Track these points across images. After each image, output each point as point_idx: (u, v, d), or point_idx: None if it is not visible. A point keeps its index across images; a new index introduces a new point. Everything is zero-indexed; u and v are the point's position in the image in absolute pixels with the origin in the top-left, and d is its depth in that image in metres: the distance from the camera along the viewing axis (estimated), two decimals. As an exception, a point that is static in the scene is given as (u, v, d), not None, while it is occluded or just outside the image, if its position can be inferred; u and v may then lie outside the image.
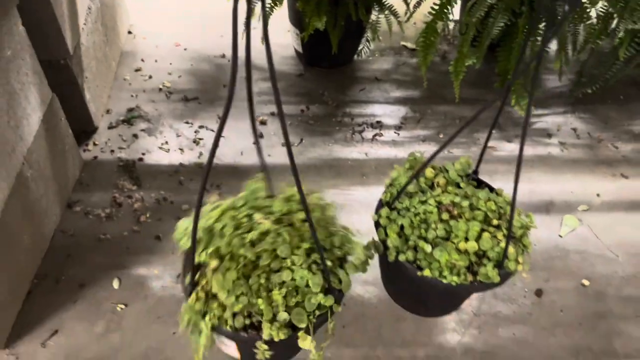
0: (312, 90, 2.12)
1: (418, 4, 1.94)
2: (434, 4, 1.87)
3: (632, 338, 1.45)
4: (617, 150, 1.95)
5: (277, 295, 0.75)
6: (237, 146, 1.89)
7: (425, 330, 1.47)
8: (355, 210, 1.71)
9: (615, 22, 1.85)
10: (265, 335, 0.76)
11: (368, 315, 1.49)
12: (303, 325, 0.78)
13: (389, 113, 2.05)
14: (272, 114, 2.01)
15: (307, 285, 0.78)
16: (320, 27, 1.76)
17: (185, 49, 2.30)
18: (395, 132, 1.98)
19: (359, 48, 2.22)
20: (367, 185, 1.79)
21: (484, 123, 2.03)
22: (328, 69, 2.21)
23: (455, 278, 0.89)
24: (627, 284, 1.57)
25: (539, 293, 1.55)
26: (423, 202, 0.97)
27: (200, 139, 1.93)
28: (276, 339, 0.76)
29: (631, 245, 1.66)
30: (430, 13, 1.88)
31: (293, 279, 0.76)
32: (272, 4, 1.91)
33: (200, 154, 1.88)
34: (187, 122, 1.98)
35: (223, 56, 2.26)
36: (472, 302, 1.53)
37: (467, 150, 1.93)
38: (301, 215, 0.82)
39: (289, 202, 0.85)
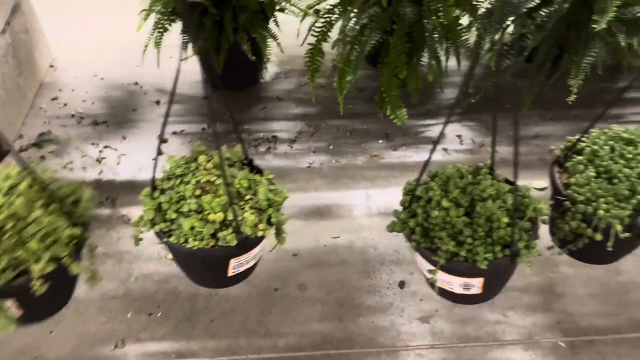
0: (215, 110, 2.28)
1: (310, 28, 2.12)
2: (316, 26, 2.07)
3: (484, 321, 1.57)
4: (496, 154, 2.10)
5: (34, 243, 0.90)
6: (137, 163, 2.04)
7: (289, 321, 1.58)
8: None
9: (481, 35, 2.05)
10: (36, 272, 0.91)
11: (237, 310, 1.61)
12: (65, 254, 0.95)
13: (285, 128, 2.22)
14: (174, 133, 2.17)
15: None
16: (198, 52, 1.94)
17: (102, 78, 2.48)
18: (288, 146, 2.14)
19: (261, 71, 2.41)
20: (255, 193, 1.94)
21: (374, 134, 2.20)
22: (234, 91, 2.39)
23: (196, 243, 1.03)
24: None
25: (401, 285, 1.68)
26: (186, 183, 1.11)
27: (103, 157, 2.08)
28: (47, 271, 0.92)
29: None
30: (313, 35, 2.08)
31: (43, 228, 0.92)
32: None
33: (101, 171, 2.03)
34: (93, 144, 2.14)
35: (136, 83, 2.45)
36: (338, 294, 1.65)
37: (354, 158, 2.09)
38: (23, 185, 0.99)
39: (8, 180, 1.02)
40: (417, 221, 1.03)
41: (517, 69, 2.44)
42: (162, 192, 1.13)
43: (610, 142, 1.15)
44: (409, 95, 2.13)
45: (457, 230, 0.98)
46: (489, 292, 1.11)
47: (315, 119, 2.26)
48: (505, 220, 0.98)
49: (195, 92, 2.39)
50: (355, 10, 2.05)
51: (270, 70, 2.51)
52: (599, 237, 1.03)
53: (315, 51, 2.08)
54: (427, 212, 1.04)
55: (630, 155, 1.11)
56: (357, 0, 2.02)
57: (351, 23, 2.03)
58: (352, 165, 2.05)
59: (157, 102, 2.31)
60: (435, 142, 1.10)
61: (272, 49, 2.24)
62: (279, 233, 1.20)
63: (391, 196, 1.93)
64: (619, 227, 1.01)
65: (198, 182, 1.10)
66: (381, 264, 1.74)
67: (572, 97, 1.88)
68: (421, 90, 2.31)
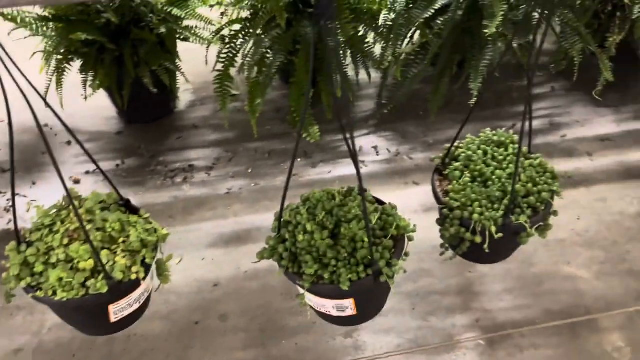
0: (129, 145, 2.25)
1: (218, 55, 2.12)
2: (222, 52, 2.08)
3: (407, 328, 1.60)
4: (411, 161, 2.16)
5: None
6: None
7: (210, 354, 1.56)
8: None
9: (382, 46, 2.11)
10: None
11: (157, 348, 1.57)
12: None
13: (202, 156, 2.20)
14: (87, 172, 2.12)
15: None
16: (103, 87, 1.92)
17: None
18: (206, 173, 2.12)
19: (174, 101, 2.40)
20: (173, 226, 1.91)
21: (292, 154, 2.21)
22: (147, 123, 2.36)
23: (65, 294, 1.00)
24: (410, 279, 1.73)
25: (324, 301, 1.68)
26: (55, 232, 1.09)
27: (11, 206, 2.00)
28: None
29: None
30: (220, 62, 2.09)
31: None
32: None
33: (9, 220, 1.95)
34: (0, 192, 2.06)
35: (46, 125, 2.37)
36: (260, 320, 1.64)
37: (274, 179, 2.09)
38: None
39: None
40: (285, 246, 1.04)
41: (430, 77, 2.53)
42: (30, 244, 1.10)
43: (483, 146, 1.21)
44: (324, 111, 2.16)
45: (322, 253, 0.99)
46: (365, 313, 1.12)
47: (233, 143, 2.26)
48: (367, 240, 1.00)
49: (107, 127, 2.35)
50: (259, 34, 2.08)
51: (186, 98, 2.50)
52: (478, 239, 1.07)
53: (224, 77, 2.09)
54: (295, 237, 1.04)
55: (501, 157, 1.17)
56: (259, 24, 2.05)
57: (255, 47, 2.05)
58: (272, 186, 2.06)
59: (69, 143, 2.25)
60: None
61: (186, 77, 2.24)
62: (161, 272, 1.18)
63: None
64: (493, 229, 1.05)
65: (67, 230, 1.08)
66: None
67: (473, 100, 1.96)
68: (338, 107, 2.35)
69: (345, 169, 2.13)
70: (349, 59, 2.25)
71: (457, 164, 1.18)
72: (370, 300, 1.12)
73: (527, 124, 1.12)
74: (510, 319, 1.62)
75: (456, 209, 1.08)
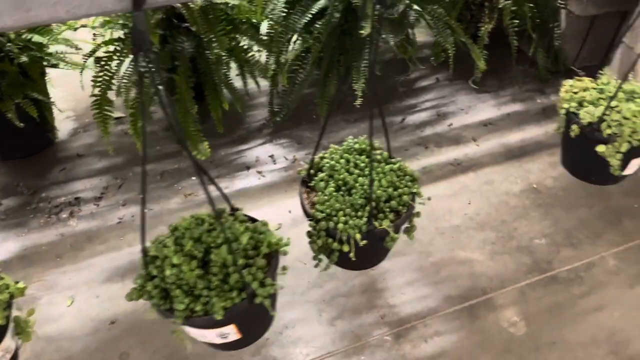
0: (6, 183, 2.09)
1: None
2: (97, 75, 1.98)
3: (315, 336, 1.60)
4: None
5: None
6: None
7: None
8: (49, 300, 1.69)
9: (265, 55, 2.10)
10: None
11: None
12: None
13: (89, 186, 2.09)
14: (-43, 220, 1.95)
15: None
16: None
17: None
18: (94, 204, 2.02)
19: (52, 132, 2.26)
20: (61, 266, 1.80)
21: (187, 172, 2.16)
22: (25, 158, 2.20)
23: None
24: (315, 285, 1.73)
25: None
26: None
27: None
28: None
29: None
30: (95, 85, 1.98)
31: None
32: None
33: None
34: None
35: None
36: (163, 352, 1.58)
37: (168, 202, 2.02)
38: None
39: None
40: (154, 283, 1.00)
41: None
42: None
43: (346, 155, 1.23)
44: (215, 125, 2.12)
45: (192, 285, 0.97)
46: (251, 335, 1.11)
47: (122, 169, 2.16)
48: (241, 262, 0.98)
49: (-20, 167, 2.17)
50: (134, 53, 2.00)
51: (67, 126, 2.36)
52: (346, 248, 1.09)
53: (102, 101, 1.99)
54: (163, 272, 0.99)
55: (363, 164, 1.19)
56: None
57: (131, 67, 1.97)
58: (166, 210, 1.99)
59: None
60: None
61: (61, 105, 2.11)
62: (20, 330, 1.10)
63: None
64: (357, 236, 1.07)
65: None
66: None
67: (358, 101, 2.00)
68: (230, 117, 2.32)
69: (243, 182, 2.11)
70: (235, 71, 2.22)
71: (322, 175, 1.19)
72: (255, 321, 1.10)
73: (376, 129, 1.14)
74: (413, 310, 1.67)
75: (322, 220, 1.09)
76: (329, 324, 1.64)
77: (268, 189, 2.07)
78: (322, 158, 1.28)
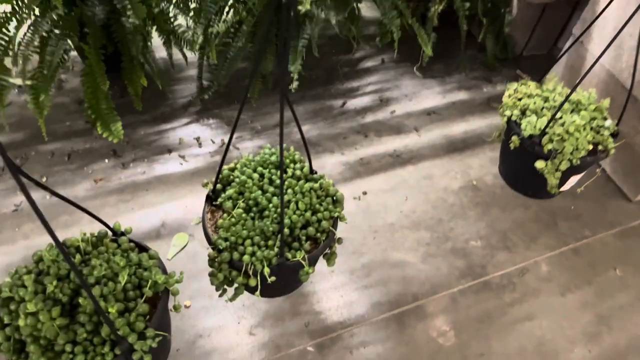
0: None
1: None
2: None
3: (232, 346, 1.47)
4: (238, 152, 2.01)
5: None
6: None
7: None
8: None
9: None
10: None
11: None
12: None
13: (-18, 166, 1.84)
14: None
15: None
16: None
17: None
18: (-13, 188, 1.78)
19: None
20: (-58, 261, 1.57)
21: (100, 153, 1.94)
22: None
23: None
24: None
25: (136, 330, 1.50)
26: None
27: None
28: None
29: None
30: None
31: None
32: None
33: None
34: None
35: None
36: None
37: (74, 187, 1.81)
38: None
39: None
40: (6, 333, 0.83)
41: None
42: None
43: (260, 169, 1.08)
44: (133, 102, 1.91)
45: (53, 338, 0.81)
46: None
47: (23, 146, 1.91)
48: (115, 309, 0.83)
49: None
50: (36, 15, 1.74)
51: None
52: (253, 282, 0.95)
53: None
54: (18, 318, 0.82)
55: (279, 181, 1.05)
56: (35, 2, 1.70)
57: (32, 32, 1.71)
58: (72, 196, 1.77)
59: None
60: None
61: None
62: None
63: (123, 226, 1.73)
64: (266, 271, 0.94)
65: None
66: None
67: (295, 85, 1.84)
68: (153, 91, 2.10)
69: (163, 167, 1.92)
70: (158, 40, 1.99)
71: (230, 191, 1.03)
72: None
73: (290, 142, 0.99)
74: (340, 318, 1.58)
75: (225, 250, 0.95)
76: (248, 333, 1.52)
77: (191, 177, 1.90)
78: (232, 170, 1.11)
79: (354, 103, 2.27)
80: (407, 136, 2.16)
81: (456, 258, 1.76)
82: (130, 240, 1.00)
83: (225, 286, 1.00)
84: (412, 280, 1.69)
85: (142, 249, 0.99)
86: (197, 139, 2.04)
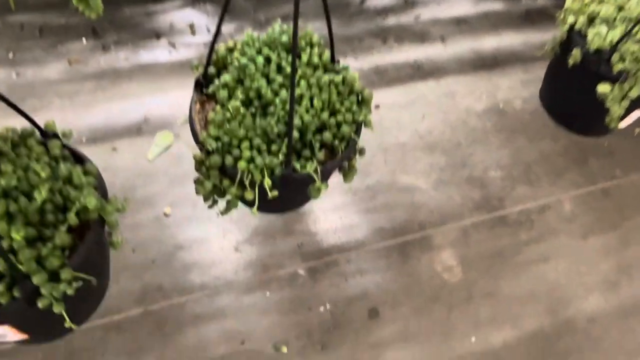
0: None
1: None
2: None
3: (217, 271, 1.33)
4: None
5: None
6: None
7: None
8: None
9: None
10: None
11: None
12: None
13: (-61, 33, 1.59)
14: None
15: None
16: None
17: None
18: (-56, 58, 1.54)
19: None
20: None
21: (77, 31, 1.69)
22: None
23: None
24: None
25: (107, 235, 1.34)
26: None
27: None
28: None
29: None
30: None
31: None
32: None
33: None
34: None
35: None
36: None
37: (44, 68, 1.58)
38: None
39: None
40: None
41: None
42: None
43: (266, 51, 0.84)
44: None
45: None
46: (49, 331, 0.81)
47: (-13, 16, 1.65)
48: (19, 236, 0.62)
49: None
50: None
51: None
52: (250, 195, 0.76)
53: None
54: None
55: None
56: None
57: None
58: (42, 78, 1.55)
59: None
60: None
61: None
62: None
63: (98, 118, 1.52)
64: (267, 183, 0.75)
65: None
66: (81, 212, 1.36)
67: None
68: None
69: (149, 54, 1.67)
70: None
71: (226, 77, 0.81)
72: (49, 316, 0.75)
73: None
74: (337, 242, 1.42)
75: (214, 153, 0.75)
76: (233, 249, 1.36)
77: (180, 68, 1.66)
78: (229, 50, 0.89)
79: (375, 1, 1.98)
80: (431, 45, 1.90)
81: (472, 188, 1.58)
82: (66, 147, 0.80)
83: (216, 196, 0.81)
84: (420, 208, 1.52)
85: (79, 160, 0.79)
86: (191, 25, 1.77)
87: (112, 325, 1.21)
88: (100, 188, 0.80)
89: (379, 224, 1.47)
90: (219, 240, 1.37)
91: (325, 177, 0.81)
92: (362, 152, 0.88)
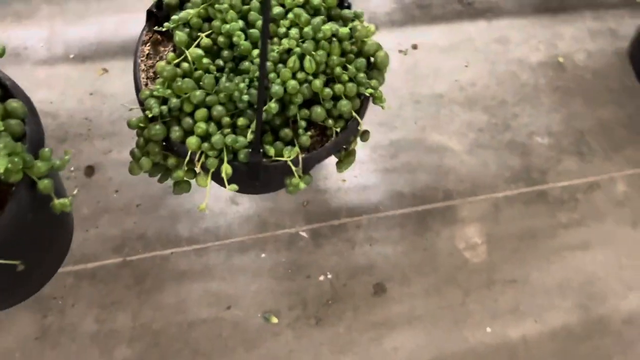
0: None
1: None
2: None
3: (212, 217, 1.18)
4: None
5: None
6: None
7: None
8: None
9: None
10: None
11: None
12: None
13: None
14: None
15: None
16: None
17: None
18: None
19: None
20: None
21: None
22: None
23: None
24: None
25: (90, 171, 1.19)
26: None
27: None
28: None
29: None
30: None
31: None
32: None
33: None
34: None
35: None
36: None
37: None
38: None
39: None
40: None
41: None
42: None
43: None
44: None
45: None
46: None
47: None
48: None
49: None
50: None
51: None
52: (202, 182, 0.58)
53: None
54: None
55: (280, 9, 0.59)
56: None
57: None
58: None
59: None
60: None
61: None
62: None
63: (90, 32, 1.34)
64: (226, 171, 0.56)
65: None
66: (62, 140, 1.21)
67: None
68: None
69: None
70: None
71: (188, 12, 0.59)
72: None
73: None
74: (348, 203, 1.24)
75: (159, 118, 0.56)
76: (230, 200, 1.21)
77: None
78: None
79: None
80: (487, -23, 1.61)
81: (512, 154, 1.37)
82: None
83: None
84: (448, 173, 1.32)
85: (8, 93, 0.61)
86: None
87: (85, 273, 1.10)
88: (33, 136, 0.64)
89: (398, 188, 1.28)
90: (214, 189, 1.21)
91: (309, 167, 0.63)
92: (364, 136, 0.68)
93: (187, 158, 0.59)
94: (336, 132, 0.61)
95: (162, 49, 0.66)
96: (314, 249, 1.19)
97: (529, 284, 1.24)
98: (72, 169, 1.18)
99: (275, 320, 1.12)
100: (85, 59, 1.29)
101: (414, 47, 1.46)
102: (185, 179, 0.63)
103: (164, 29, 0.61)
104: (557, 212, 1.32)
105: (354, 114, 0.61)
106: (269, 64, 0.55)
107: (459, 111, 1.40)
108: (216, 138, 0.55)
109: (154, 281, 1.11)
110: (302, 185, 0.62)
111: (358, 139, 0.67)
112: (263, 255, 1.17)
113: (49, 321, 1.05)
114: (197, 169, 0.59)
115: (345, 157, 0.68)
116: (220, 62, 0.58)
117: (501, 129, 1.40)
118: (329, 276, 1.17)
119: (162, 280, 1.12)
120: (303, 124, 0.58)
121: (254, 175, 0.61)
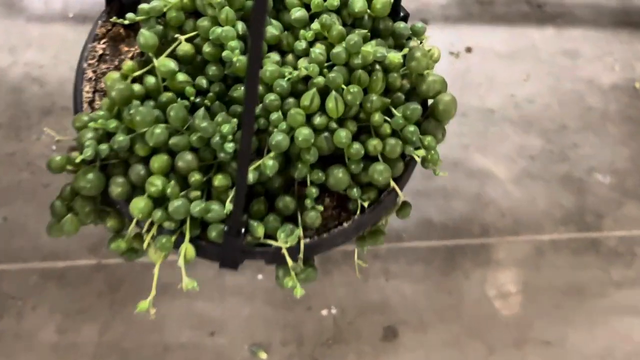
0: None
1: None
2: None
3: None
4: None
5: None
6: None
7: None
8: None
9: None
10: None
11: None
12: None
13: None
14: None
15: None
16: None
17: None
18: None
19: None
20: None
21: None
22: None
23: None
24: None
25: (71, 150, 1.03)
26: None
27: None
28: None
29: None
30: None
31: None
32: None
33: None
34: None
35: None
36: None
37: None
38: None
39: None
40: None
41: None
42: None
43: None
44: None
45: None
46: None
47: None
48: None
49: None
50: None
51: None
52: (154, 257, 0.42)
53: None
54: None
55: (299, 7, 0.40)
56: None
57: None
58: None
59: None
60: None
61: None
62: None
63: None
64: (190, 252, 0.40)
65: None
66: (46, 112, 1.05)
67: None
68: None
69: None
70: None
71: (155, 3, 0.41)
72: None
73: None
74: (366, 225, 1.08)
75: (96, 165, 0.39)
76: (230, 207, 1.05)
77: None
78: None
79: None
80: (563, -23, 1.39)
81: (565, 191, 1.17)
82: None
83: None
84: (489, 204, 1.14)
85: None
86: None
87: (53, 273, 0.95)
88: None
89: (428, 215, 1.10)
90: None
91: (314, 254, 0.46)
92: (404, 210, 0.50)
93: (133, 225, 0.42)
94: (362, 208, 0.43)
95: (125, 48, 0.48)
96: (321, 276, 1.02)
97: (565, 348, 1.06)
98: (53, 147, 1.03)
99: (264, 355, 0.96)
100: (85, 20, 1.12)
101: (468, 49, 1.26)
102: (133, 246, 0.47)
103: (126, 22, 0.43)
104: (609, 267, 1.13)
105: (392, 183, 0.44)
106: (272, 97, 0.37)
107: (510, 132, 1.20)
108: (176, 205, 0.38)
109: (130, 291, 0.96)
110: (299, 291, 0.45)
111: (388, 218, 0.49)
112: (260, 276, 1.01)
113: (3, 324, 0.91)
114: (146, 242, 0.42)
115: (370, 236, 0.50)
116: (203, 81, 0.40)
117: (557, 159, 1.20)
118: (334, 311, 1.01)
119: (139, 291, 0.96)
120: (314, 191, 0.41)
121: (229, 263, 0.45)
